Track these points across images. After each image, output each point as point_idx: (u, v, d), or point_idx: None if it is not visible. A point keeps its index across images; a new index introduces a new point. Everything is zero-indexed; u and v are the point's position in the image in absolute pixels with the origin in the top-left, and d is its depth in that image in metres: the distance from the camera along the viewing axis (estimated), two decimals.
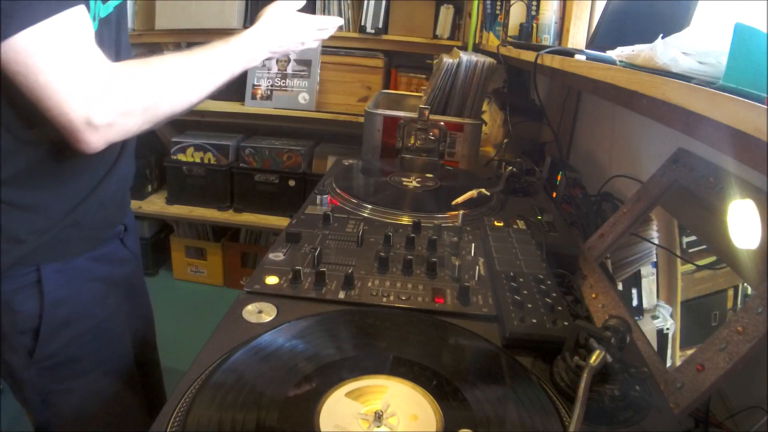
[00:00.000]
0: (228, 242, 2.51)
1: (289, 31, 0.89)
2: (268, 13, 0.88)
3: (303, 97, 2.41)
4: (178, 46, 2.57)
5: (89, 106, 0.59)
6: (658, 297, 0.70)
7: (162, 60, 0.70)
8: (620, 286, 0.76)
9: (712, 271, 0.63)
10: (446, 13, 2.41)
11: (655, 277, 0.72)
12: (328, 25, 0.97)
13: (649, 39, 0.62)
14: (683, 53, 0.57)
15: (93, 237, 0.79)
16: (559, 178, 1.18)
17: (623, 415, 0.49)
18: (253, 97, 2.33)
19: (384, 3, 2.40)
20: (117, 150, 0.78)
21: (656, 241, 0.75)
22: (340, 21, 0.99)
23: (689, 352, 0.57)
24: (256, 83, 2.34)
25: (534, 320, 0.60)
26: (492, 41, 1.81)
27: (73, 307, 0.76)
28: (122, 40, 0.80)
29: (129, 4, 2.56)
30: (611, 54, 0.75)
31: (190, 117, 2.42)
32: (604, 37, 0.98)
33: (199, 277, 2.56)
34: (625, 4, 0.96)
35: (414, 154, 1.29)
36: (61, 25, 0.58)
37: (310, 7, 2.51)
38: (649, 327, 0.67)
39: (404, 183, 1.11)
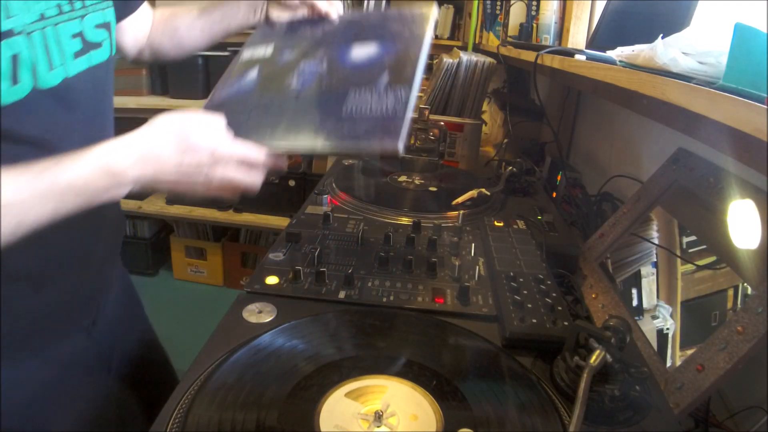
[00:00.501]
0: (228, 242, 2.51)
1: (187, 159, 0.52)
2: (160, 120, 0.53)
3: None
4: None
5: None
6: (658, 297, 0.70)
7: None
8: (620, 286, 0.76)
9: (712, 271, 0.63)
10: (446, 13, 2.41)
11: (655, 277, 0.72)
12: (258, 159, 0.56)
13: (649, 39, 0.62)
14: (683, 53, 0.57)
15: (36, 332, 0.62)
16: (559, 178, 1.18)
17: (623, 415, 0.49)
18: None
19: (384, 3, 2.40)
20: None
21: (656, 241, 0.75)
22: (285, 163, 0.60)
23: (689, 352, 0.57)
24: None
25: (534, 320, 0.60)
26: (492, 41, 1.81)
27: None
28: (92, 113, 0.62)
29: None
30: (611, 54, 0.75)
31: None
32: (604, 37, 0.98)
33: (199, 277, 2.56)
34: (625, 4, 0.96)
35: (414, 154, 1.29)
36: None
37: None
38: (649, 327, 0.67)
39: (404, 183, 1.11)
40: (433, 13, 0.69)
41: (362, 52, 0.66)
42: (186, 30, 0.83)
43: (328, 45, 0.70)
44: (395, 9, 0.84)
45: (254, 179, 0.56)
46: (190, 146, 0.52)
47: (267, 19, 0.79)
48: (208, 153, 0.52)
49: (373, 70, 0.61)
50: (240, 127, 0.57)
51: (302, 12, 0.77)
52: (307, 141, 0.56)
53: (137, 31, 0.80)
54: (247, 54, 0.74)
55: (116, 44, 0.69)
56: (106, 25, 0.65)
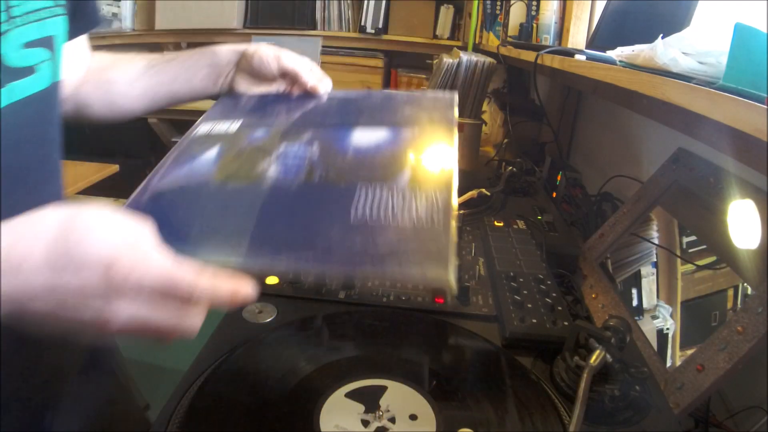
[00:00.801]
0: None
1: (63, 280, 0.31)
2: (40, 214, 0.33)
3: None
4: (178, 46, 2.57)
5: None
6: (658, 297, 0.70)
7: None
8: (620, 286, 0.76)
9: (712, 271, 0.63)
10: (446, 13, 2.41)
11: (655, 277, 0.72)
12: (198, 290, 0.33)
13: (649, 39, 0.62)
14: (683, 53, 0.57)
15: None
16: (559, 178, 1.18)
17: (623, 415, 0.49)
18: None
19: (384, 3, 2.40)
20: None
21: (656, 241, 0.75)
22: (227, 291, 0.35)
23: (689, 352, 0.57)
24: None
25: (534, 320, 0.60)
26: (492, 41, 1.81)
27: None
28: (22, 164, 0.46)
29: (129, 5, 2.58)
30: (611, 54, 0.75)
31: (190, 117, 2.42)
32: (604, 37, 0.98)
33: None
34: (625, 4, 0.96)
35: None
36: None
37: (310, 7, 2.53)
38: (649, 327, 0.67)
39: None
40: (456, 98, 0.58)
41: (368, 137, 0.50)
42: (124, 87, 0.63)
43: (317, 126, 0.54)
44: (404, 91, 0.67)
45: (189, 322, 0.34)
46: (71, 261, 0.31)
47: (232, 91, 0.62)
48: (98, 275, 0.31)
49: (388, 162, 0.45)
50: (183, 235, 0.38)
51: (279, 87, 0.62)
52: (299, 260, 0.37)
53: (67, 72, 0.55)
54: (204, 128, 0.54)
55: None
56: (46, 42, 0.47)
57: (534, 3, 1.47)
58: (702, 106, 0.49)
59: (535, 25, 1.47)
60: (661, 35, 0.60)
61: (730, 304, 0.58)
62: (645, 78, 0.60)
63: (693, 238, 0.69)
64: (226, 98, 0.62)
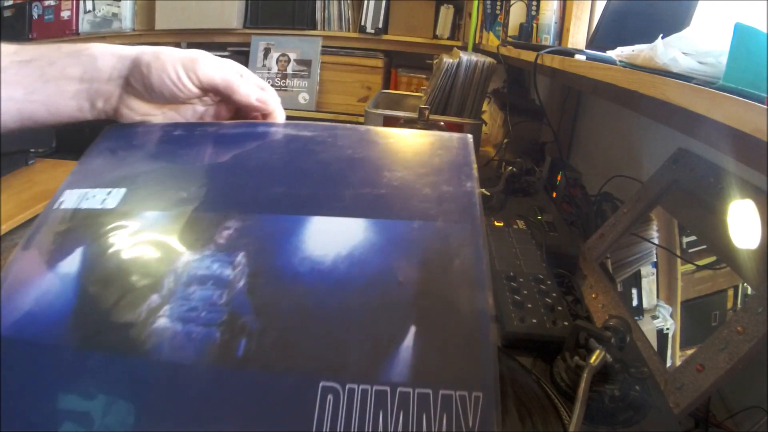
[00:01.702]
0: None
1: None
2: None
3: (303, 97, 2.41)
4: (177, 46, 2.57)
5: None
6: (658, 297, 0.70)
7: None
8: (620, 286, 0.76)
9: (712, 271, 0.63)
10: (446, 13, 2.41)
11: (655, 277, 0.72)
12: None
13: (649, 39, 0.62)
14: (683, 53, 0.57)
15: None
16: (559, 178, 1.18)
17: (623, 415, 0.49)
18: None
19: (384, 3, 2.40)
20: None
21: (656, 241, 0.75)
22: None
23: (689, 352, 0.57)
24: None
25: (534, 320, 0.60)
26: (492, 41, 1.81)
27: None
28: None
29: (129, 5, 2.58)
30: (611, 54, 0.75)
31: None
32: (604, 37, 0.98)
33: None
34: (625, 4, 0.96)
35: None
36: None
37: (310, 7, 2.53)
38: (649, 327, 0.67)
39: None
40: (471, 143, 0.40)
41: (343, 244, 0.30)
42: None
43: (253, 206, 0.33)
44: (396, 132, 0.41)
45: None
46: None
47: (121, 117, 0.41)
48: None
49: (380, 315, 0.28)
50: None
51: (197, 110, 0.43)
52: None
53: None
54: (70, 199, 0.35)
55: None
56: None
57: (534, 3, 1.47)
58: (702, 106, 0.49)
59: (535, 25, 1.47)
60: (661, 35, 0.60)
61: (730, 304, 0.58)
62: (645, 78, 0.60)
63: (693, 238, 0.69)
64: (112, 132, 0.41)
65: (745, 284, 0.57)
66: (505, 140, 1.43)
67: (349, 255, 0.30)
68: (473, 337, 0.27)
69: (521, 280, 0.69)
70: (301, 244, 0.30)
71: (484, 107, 1.61)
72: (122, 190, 0.35)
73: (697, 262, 0.66)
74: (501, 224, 0.89)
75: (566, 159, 1.37)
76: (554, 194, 1.18)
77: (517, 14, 1.58)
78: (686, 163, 0.76)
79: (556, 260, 0.79)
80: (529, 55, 1.12)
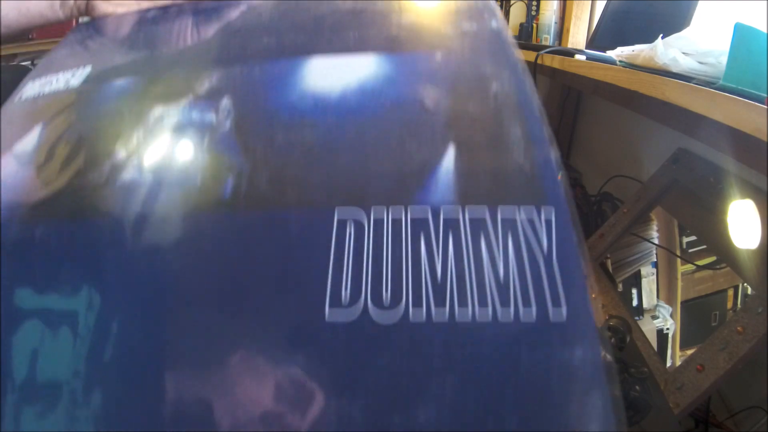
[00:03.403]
0: None
1: None
2: None
3: None
4: None
5: None
6: (658, 297, 0.70)
7: None
8: (620, 286, 0.76)
9: (712, 271, 0.63)
10: None
11: (655, 277, 0.72)
12: None
13: (649, 39, 0.62)
14: (683, 53, 0.57)
15: None
16: (559, 178, 1.18)
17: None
18: None
19: None
20: None
21: (656, 241, 0.75)
22: None
23: (689, 352, 0.57)
24: None
25: None
26: None
27: None
28: None
29: None
30: (611, 54, 0.75)
31: None
32: (604, 37, 0.98)
33: None
34: (625, 4, 0.96)
35: None
36: None
37: None
38: (649, 327, 0.67)
39: None
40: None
41: (342, 75, 0.26)
42: None
43: (253, 54, 0.29)
44: None
45: None
46: None
47: (92, 12, 0.40)
48: None
49: (401, 142, 0.23)
50: None
51: None
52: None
53: None
54: (30, 91, 0.32)
55: None
56: None
57: (534, 3, 1.47)
58: (702, 106, 0.49)
59: (535, 25, 1.47)
60: (661, 35, 0.60)
61: (730, 304, 0.58)
62: (645, 78, 0.60)
63: (693, 238, 0.69)
64: (82, 26, 0.38)
65: (745, 284, 0.57)
66: None
67: (359, 88, 0.25)
68: (532, 157, 0.23)
69: None
70: (298, 83, 0.26)
71: None
72: (87, 68, 0.31)
73: (697, 262, 0.66)
74: None
75: (566, 159, 1.37)
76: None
77: (517, 14, 1.58)
78: (686, 163, 0.76)
79: None
80: (529, 55, 1.12)
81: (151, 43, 0.34)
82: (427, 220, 0.21)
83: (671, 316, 0.65)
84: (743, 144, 0.48)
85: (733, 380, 0.51)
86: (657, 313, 0.68)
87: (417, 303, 0.20)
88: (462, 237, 0.20)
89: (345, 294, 0.20)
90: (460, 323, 0.19)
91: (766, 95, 0.43)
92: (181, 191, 0.23)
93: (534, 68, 1.03)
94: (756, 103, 0.42)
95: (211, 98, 0.26)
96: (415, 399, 0.18)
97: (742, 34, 0.48)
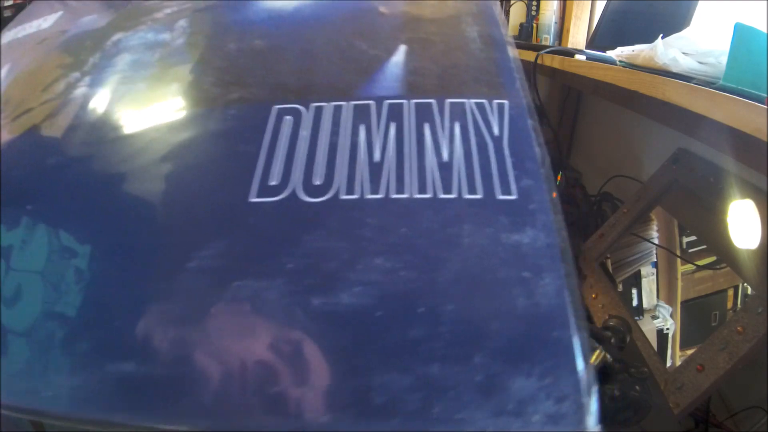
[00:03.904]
0: None
1: None
2: None
3: None
4: None
5: None
6: (658, 297, 0.70)
7: None
8: (620, 286, 0.76)
9: (712, 271, 0.63)
10: None
11: (655, 277, 0.72)
12: None
13: (649, 39, 0.62)
14: (683, 53, 0.57)
15: None
16: (559, 178, 1.18)
17: (623, 415, 0.49)
18: None
19: None
20: None
21: (656, 241, 0.75)
22: None
23: (689, 352, 0.57)
24: None
25: None
26: None
27: None
28: None
29: None
30: (611, 54, 0.75)
31: None
32: (604, 37, 0.98)
33: None
34: (625, 4, 0.96)
35: None
36: None
37: None
38: (649, 327, 0.67)
39: None
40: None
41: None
42: None
43: None
44: None
45: None
46: None
47: None
48: None
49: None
50: None
51: None
52: None
53: None
54: (5, 39, 0.32)
55: None
56: None
57: (534, 3, 1.47)
58: (702, 106, 0.49)
59: (535, 25, 1.47)
60: (661, 35, 0.60)
61: (730, 304, 0.58)
62: (645, 78, 0.60)
63: (693, 238, 0.69)
64: None
65: (745, 284, 0.57)
66: None
67: (314, 2, 0.27)
68: (487, 55, 0.23)
69: None
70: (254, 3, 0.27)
71: None
72: (59, 13, 0.32)
73: (697, 262, 0.66)
74: None
75: (566, 159, 1.37)
76: (554, 194, 1.18)
77: (517, 14, 1.58)
78: (686, 163, 0.76)
79: None
80: (529, 55, 1.12)
81: None
82: (369, 107, 0.21)
83: (671, 316, 0.65)
84: (743, 144, 0.48)
85: (733, 380, 0.51)
86: (657, 313, 0.68)
87: (350, 190, 0.20)
88: (406, 124, 0.21)
89: (275, 178, 0.20)
90: (396, 201, 0.19)
91: (766, 95, 0.43)
92: (137, 99, 0.24)
93: (534, 68, 1.03)
94: (756, 103, 0.42)
95: (169, 22, 0.27)
96: (344, 279, 0.18)
97: (742, 34, 0.48)
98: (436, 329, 0.17)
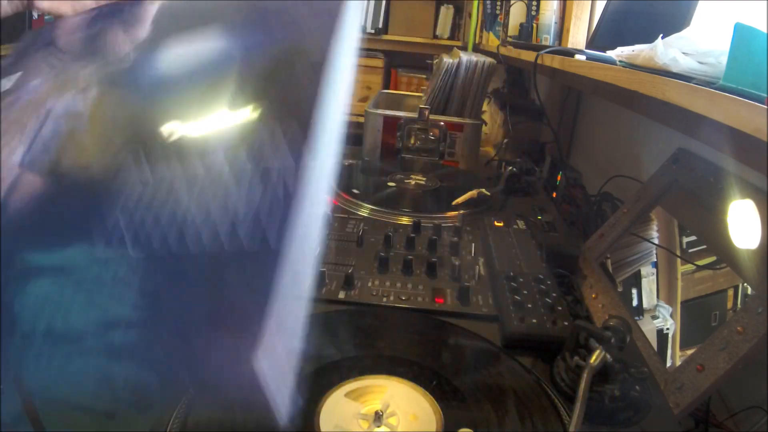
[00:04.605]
0: None
1: None
2: None
3: None
4: None
5: None
6: (658, 297, 0.70)
7: None
8: (620, 286, 0.76)
9: (712, 271, 0.63)
10: (446, 13, 2.42)
11: (655, 277, 0.72)
12: None
13: (649, 39, 0.62)
14: (683, 53, 0.57)
15: None
16: (559, 178, 1.18)
17: (623, 415, 0.49)
18: None
19: (384, 3, 2.40)
20: None
21: (656, 241, 0.75)
22: None
23: (689, 352, 0.57)
24: None
25: (534, 320, 0.60)
26: (492, 41, 1.81)
27: None
28: None
29: None
30: (611, 54, 0.75)
31: None
32: (604, 37, 0.98)
33: None
34: (625, 4, 0.96)
35: (414, 154, 1.29)
36: None
37: None
38: (649, 327, 0.67)
39: (404, 183, 1.11)
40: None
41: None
42: None
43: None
44: None
45: None
46: None
47: (33, 7, 0.41)
48: None
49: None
50: None
51: None
52: None
53: None
54: None
55: None
56: None
57: (534, 3, 1.47)
58: (702, 106, 0.49)
59: (535, 25, 1.47)
60: (661, 35, 0.60)
61: (730, 304, 0.58)
62: (645, 78, 0.60)
63: (693, 238, 0.69)
64: (29, 35, 0.39)
65: (745, 284, 0.57)
66: (505, 140, 1.43)
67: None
68: None
69: (521, 280, 0.69)
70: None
71: (484, 107, 1.61)
72: (17, 73, 0.35)
73: (697, 262, 0.66)
74: (501, 224, 0.89)
75: (566, 159, 1.37)
76: (554, 194, 1.18)
77: (517, 14, 1.58)
78: (686, 163, 0.76)
79: (556, 260, 0.79)
80: (529, 55, 1.12)
81: (86, 41, 0.38)
82: None
83: (671, 316, 0.65)
84: (743, 144, 0.48)
85: (733, 380, 0.51)
86: (657, 313, 0.68)
87: None
88: None
89: None
90: None
91: (766, 95, 0.43)
92: None
93: (534, 68, 1.03)
94: (756, 103, 0.42)
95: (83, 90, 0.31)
96: None
97: (742, 34, 0.48)
98: None
